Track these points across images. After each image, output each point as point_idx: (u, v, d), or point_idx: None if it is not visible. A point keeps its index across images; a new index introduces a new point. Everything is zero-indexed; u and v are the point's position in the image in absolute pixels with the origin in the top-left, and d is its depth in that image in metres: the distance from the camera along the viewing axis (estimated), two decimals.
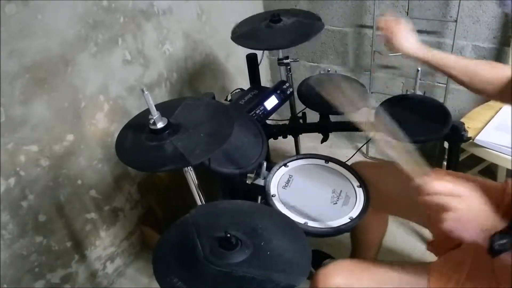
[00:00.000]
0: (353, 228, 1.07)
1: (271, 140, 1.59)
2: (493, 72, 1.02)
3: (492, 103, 1.71)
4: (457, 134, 1.34)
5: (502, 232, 0.73)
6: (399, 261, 1.00)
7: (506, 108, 1.64)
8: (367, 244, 1.42)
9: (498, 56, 1.73)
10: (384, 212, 1.32)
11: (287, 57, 1.54)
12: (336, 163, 1.22)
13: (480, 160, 1.65)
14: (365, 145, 2.19)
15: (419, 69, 1.39)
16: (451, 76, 1.08)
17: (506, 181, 1.04)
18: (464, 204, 0.75)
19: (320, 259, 1.63)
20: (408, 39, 1.11)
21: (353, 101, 0.95)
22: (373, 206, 1.08)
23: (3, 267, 1.32)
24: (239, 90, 1.66)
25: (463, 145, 1.51)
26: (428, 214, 1.08)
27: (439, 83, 1.92)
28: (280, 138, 1.66)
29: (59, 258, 1.50)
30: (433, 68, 1.09)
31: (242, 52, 1.51)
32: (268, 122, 1.59)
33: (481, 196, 0.78)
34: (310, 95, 1.53)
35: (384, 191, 1.14)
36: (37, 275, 1.43)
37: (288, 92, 1.57)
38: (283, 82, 1.59)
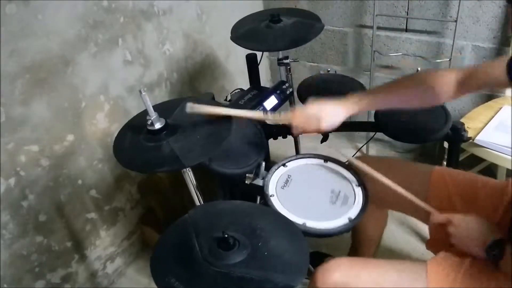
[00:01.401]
0: (352, 228, 1.07)
1: (271, 140, 1.59)
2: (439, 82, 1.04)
3: (492, 103, 1.71)
4: (457, 134, 1.34)
5: (496, 242, 0.87)
6: (398, 259, 1.00)
7: (506, 108, 1.64)
8: (367, 239, 1.42)
9: (498, 56, 1.73)
10: (383, 206, 1.32)
11: (287, 57, 1.54)
12: (335, 163, 1.21)
13: (480, 160, 1.65)
14: (365, 145, 2.19)
15: (419, 69, 1.39)
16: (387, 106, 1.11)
17: (507, 180, 1.04)
18: (454, 230, 0.96)
19: (319, 260, 1.63)
20: (332, 116, 1.08)
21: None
22: (373, 200, 1.08)
23: (3, 267, 1.32)
24: (239, 90, 1.66)
25: (463, 145, 1.51)
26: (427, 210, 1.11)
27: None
28: (280, 138, 1.66)
29: (59, 258, 1.50)
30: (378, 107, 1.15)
31: (242, 52, 1.51)
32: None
33: (473, 218, 0.95)
34: (310, 95, 1.53)
35: (383, 186, 1.13)
36: (37, 275, 1.43)
37: (288, 92, 1.57)
38: (283, 82, 1.58)
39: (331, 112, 1.08)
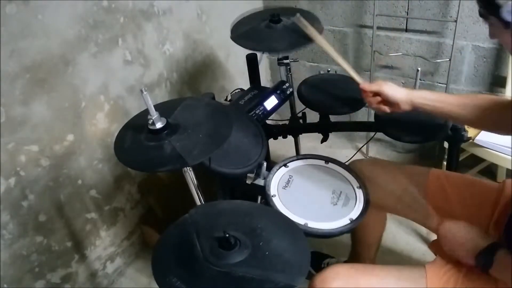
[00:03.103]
0: (353, 229, 1.07)
1: (271, 140, 1.59)
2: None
3: None
4: (457, 134, 1.34)
5: (485, 250, 0.87)
6: (397, 265, 1.00)
7: None
8: (367, 242, 1.42)
9: (498, 56, 1.73)
10: (382, 210, 1.32)
11: (287, 57, 1.54)
12: (336, 164, 1.21)
13: (480, 160, 1.65)
14: (365, 145, 2.19)
15: (419, 69, 1.39)
16: (447, 114, 1.07)
17: (503, 182, 1.04)
18: (446, 238, 0.97)
19: (319, 260, 1.63)
20: (398, 89, 1.10)
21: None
22: (372, 204, 1.09)
23: (3, 267, 1.32)
24: (239, 90, 1.66)
25: (463, 145, 1.51)
26: (426, 212, 1.10)
27: (439, 83, 1.92)
28: (280, 138, 1.66)
29: (59, 258, 1.50)
30: (428, 109, 1.08)
31: (242, 52, 1.51)
32: (268, 122, 1.59)
33: (462, 225, 0.95)
34: (310, 95, 1.53)
35: (383, 189, 1.14)
36: (37, 275, 1.43)
37: (288, 92, 1.57)
38: (283, 82, 1.58)
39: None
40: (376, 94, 1.12)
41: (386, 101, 1.11)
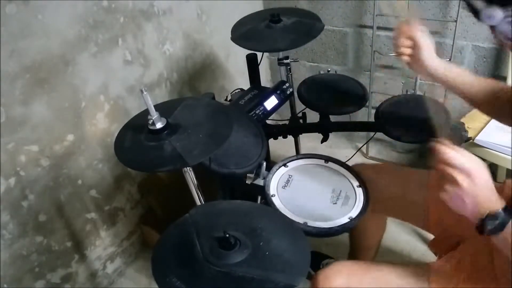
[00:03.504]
0: (352, 228, 1.07)
1: (271, 140, 1.59)
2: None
3: None
4: (457, 134, 1.34)
5: (496, 214, 0.74)
6: (400, 263, 1.00)
7: None
8: (365, 246, 1.42)
9: (498, 56, 1.73)
10: (382, 214, 1.32)
11: (287, 57, 1.54)
12: (336, 163, 1.21)
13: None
14: (365, 145, 2.19)
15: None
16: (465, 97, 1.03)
17: (504, 182, 1.04)
18: (468, 183, 0.75)
19: (318, 260, 1.63)
20: (434, 57, 1.00)
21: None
22: (372, 208, 1.08)
23: (3, 267, 1.32)
24: (239, 90, 1.66)
25: (463, 145, 1.51)
26: (426, 215, 1.09)
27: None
28: (280, 138, 1.66)
29: (59, 258, 1.50)
30: (448, 85, 1.03)
31: (242, 52, 1.51)
32: (268, 122, 1.59)
33: (487, 173, 0.77)
34: (310, 95, 1.53)
35: (383, 193, 1.14)
36: (37, 275, 1.43)
37: (288, 92, 1.57)
38: (283, 82, 1.58)
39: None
40: (410, 39, 0.99)
41: (414, 53, 1.00)
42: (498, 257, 0.85)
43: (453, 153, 0.77)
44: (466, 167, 0.75)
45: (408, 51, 1.00)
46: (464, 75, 1.02)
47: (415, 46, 0.99)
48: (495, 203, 0.75)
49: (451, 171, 0.76)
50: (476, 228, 0.75)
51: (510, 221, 0.72)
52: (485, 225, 0.74)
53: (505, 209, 0.74)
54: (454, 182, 0.75)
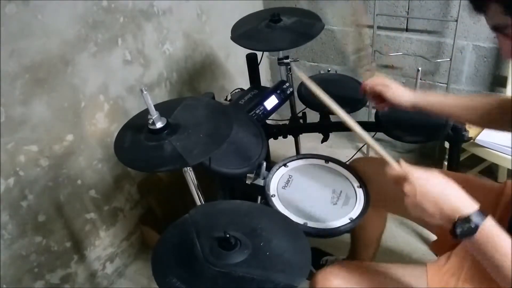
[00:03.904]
0: (353, 228, 1.07)
1: (271, 140, 1.58)
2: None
3: None
4: (458, 134, 1.34)
5: (467, 217, 0.70)
6: (398, 263, 1.00)
7: None
8: (366, 241, 1.42)
9: (498, 56, 1.73)
10: (382, 209, 1.32)
11: (287, 57, 1.54)
12: (336, 163, 1.21)
13: (480, 160, 1.65)
14: (365, 145, 2.19)
15: (419, 69, 1.38)
16: (452, 116, 1.09)
17: (505, 182, 1.04)
18: (411, 188, 0.76)
19: (318, 256, 1.63)
20: (402, 92, 1.09)
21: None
22: (372, 203, 1.08)
23: (3, 267, 1.32)
24: (239, 90, 1.66)
25: (464, 145, 1.51)
26: None
27: (439, 83, 1.92)
28: (280, 138, 1.66)
29: (59, 258, 1.50)
30: (433, 112, 1.08)
31: (242, 52, 1.51)
32: (268, 122, 1.59)
33: (443, 179, 0.76)
34: (310, 95, 1.53)
35: (383, 188, 1.13)
36: (37, 275, 1.43)
37: (288, 92, 1.57)
38: (283, 82, 1.58)
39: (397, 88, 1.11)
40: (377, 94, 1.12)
41: (386, 102, 1.12)
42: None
43: (390, 169, 0.81)
44: (400, 175, 0.79)
45: (382, 105, 1.13)
46: (447, 100, 1.07)
47: (385, 99, 1.10)
48: (466, 207, 0.72)
49: (394, 184, 0.80)
50: (449, 232, 0.72)
51: (483, 225, 0.69)
52: (456, 229, 0.71)
53: (478, 212, 0.71)
54: (404, 193, 0.77)
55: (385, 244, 1.45)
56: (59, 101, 1.35)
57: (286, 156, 1.24)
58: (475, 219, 0.70)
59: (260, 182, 1.14)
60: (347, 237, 1.45)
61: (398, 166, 0.81)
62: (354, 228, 1.40)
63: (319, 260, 1.61)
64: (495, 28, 0.74)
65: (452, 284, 0.93)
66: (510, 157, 1.48)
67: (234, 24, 1.49)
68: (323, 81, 1.62)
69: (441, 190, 0.75)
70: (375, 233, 1.40)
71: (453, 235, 0.72)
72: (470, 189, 1.07)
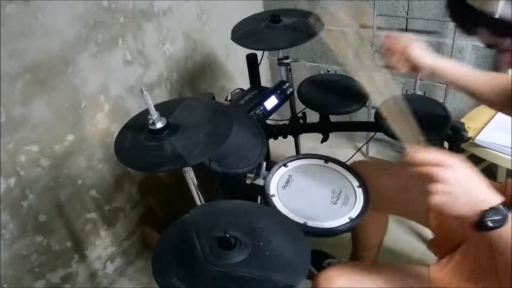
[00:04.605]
0: (352, 228, 1.07)
1: (271, 140, 1.59)
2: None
3: None
4: (457, 134, 1.34)
5: (496, 208, 0.68)
6: (400, 264, 1.00)
7: None
8: (367, 244, 1.42)
9: None
10: (383, 211, 1.32)
11: (287, 57, 1.54)
12: (336, 163, 1.21)
13: (480, 160, 1.65)
14: (365, 145, 2.19)
15: None
16: (474, 93, 1.02)
17: (505, 181, 1.04)
18: (453, 174, 0.69)
19: (320, 259, 1.63)
20: (424, 53, 1.02)
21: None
22: (373, 205, 1.08)
23: (3, 267, 1.32)
24: (239, 90, 1.66)
25: (463, 145, 1.51)
26: (427, 212, 1.09)
27: (439, 83, 1.92)
28: (280, 138, 1.66)
29: (59, 258, 1.50)
30: (453, 84, 1.03)
31: (242, 52, 1.51)
32: (268, 122, 1.59)
33: (471, 167, 0.71)
34: (310, 95, 1.53)
35: (384, 190, 1.14)
36: (37, 275, 1.43)
37: (288, 92, 1.57)
38: (283, 82, 1.58)
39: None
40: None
41: (407, 60, 1.04)
42: (500, 256, 0.84)
43: (421, 153, 0.73)
44: (439, 159, 0.71)
45: (400, 64, 1.05)
46: (465, 72, 1.01)
47: (405, 56, 1.03)
48: (493, 198, 0.69)
49: (427, 169, 0.71)
50: (475, 225, 0.69)
51: (510, 216, 0.67)
52: (486, 220, 0.67)
53: (503, 203, 0.68)
54: (434, 178, 0.70)
55: (385, 244, 1.45)
56: (59, 101, 1.35)
57: (286, 156, 1.24)
58: (504, 209, 0.68)
59: (260, 182, 1.14)
60: (348, 239, 1.45)
61: (430, 151, 0.73)
62: (355, 232, 1.41)
63: (321, 262, 1.61)
64: (489, 46, 0.74)
65: (454, 284, 0.93)
66: (509, 157, 1.48)
67: (234, 26, 1.49)
68: (323, 81, 1.62)
69: (476, 179, 0.71)
70: (377, 237, 1.40)
71: (480, 227, 0.68)
72: None
